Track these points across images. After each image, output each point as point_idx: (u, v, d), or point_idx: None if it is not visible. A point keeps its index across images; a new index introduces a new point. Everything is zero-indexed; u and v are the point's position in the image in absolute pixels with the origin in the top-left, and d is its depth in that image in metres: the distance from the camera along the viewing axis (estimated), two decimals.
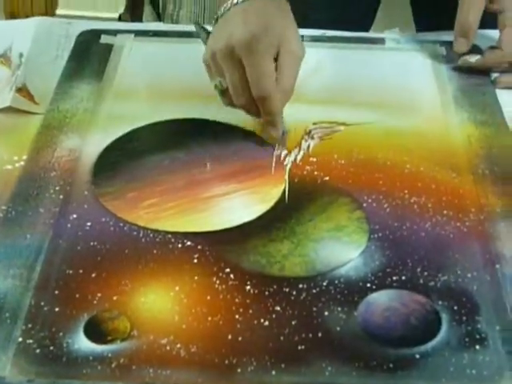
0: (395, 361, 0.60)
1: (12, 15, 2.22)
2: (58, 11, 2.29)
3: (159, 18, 2.38)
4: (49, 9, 2.32)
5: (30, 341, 0.60)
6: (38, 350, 0.60)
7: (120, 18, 2.25)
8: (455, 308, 0.63)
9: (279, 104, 0.76)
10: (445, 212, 0.72)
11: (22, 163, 0.76)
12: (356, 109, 0.84)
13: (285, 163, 0.77)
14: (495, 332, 0.61)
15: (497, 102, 0.86)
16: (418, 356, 0.60)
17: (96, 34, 0.96)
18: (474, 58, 0.89)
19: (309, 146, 0.79)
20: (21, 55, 0.91)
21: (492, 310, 0.63)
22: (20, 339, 0.60)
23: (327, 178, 0.75)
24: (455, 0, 0.90)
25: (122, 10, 2.29)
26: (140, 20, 2.34)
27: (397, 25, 0.99)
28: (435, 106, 0.85)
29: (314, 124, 0.81)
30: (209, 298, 0.64)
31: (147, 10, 2.35)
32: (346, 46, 0.95)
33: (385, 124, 0.82)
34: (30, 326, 0.61)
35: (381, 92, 0.87)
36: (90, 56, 0.92)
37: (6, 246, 0.68)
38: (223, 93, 0.78)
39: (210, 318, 0.62)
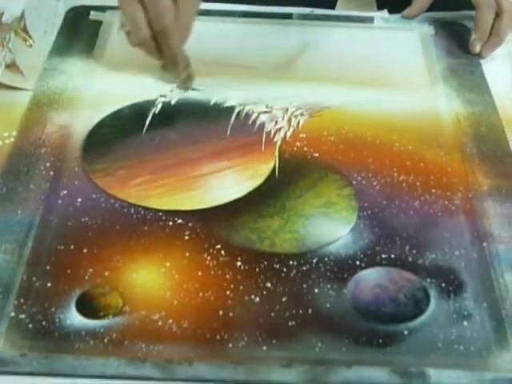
0: (384, 336, 0.60)
1: None
2: None
3: None
4: None
5: (23, 316, 0.61)
6: (30, 325, 0.60)
7: None
8: (443, 285, 0.64)
9: (178, 40, 0.80)
10: (433, 190, 0.72)
11: (12, 139, 0.76)
12: (346, 87, 0.85)
13: (275, 140, 0.77)
14: (482, 309, 0.62)
15: (485, 81, 0.87)
16: (406, 332, 0.61)
17: (85, 10, 0.95)
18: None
19: (298, 123, 0.79)
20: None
21: (479, 286, 0.64)
22: (12, 314, 0.61)
23: (317, 155, 0.76)
24: None
25: None
26: None
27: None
28: (424, 84, 0.86)
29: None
30: (200, 273, 0.64)
31: None
32: (335, 24, 0.95)
33: (374, 102, 0.82)
34: (22, 301, 0.62)
35: (370, 70, 0.87)
36: (79, 32, 0.92)
37: None
38: (128, 34, 0.81)
39: (201, 294, 0.63)
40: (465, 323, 0.61)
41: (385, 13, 0.98)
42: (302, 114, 0.80)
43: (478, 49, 0.89)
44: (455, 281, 0.65)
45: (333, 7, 1.13)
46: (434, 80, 0.86)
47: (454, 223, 0.69)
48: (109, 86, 0.84)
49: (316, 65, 0.88)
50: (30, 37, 0.90)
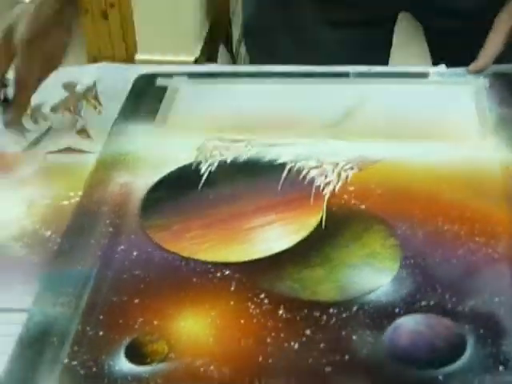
0: (419, 382, 0.61)
1: (94, 59, 2.33)
2: (137, 56, 2.38)
3: (233, 59, 2.44)
4: (129, 53, 2.42)
5: (75, 362, 0.64)
6: (82, 371, 0.64)
7: (196, 62, 2.31)
8: (481, 331, 0.65)
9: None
10: (477, 239, 0.73)
11: (77, 199, 0.82)
12: (397, 141, 0.87)
13: (323, 193, 0.80)
14: None
15: None
16: (441, 377, 0.61)
17: (153, 76, 1.01)
18: None
19: (347, 177, 0.82)
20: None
21: None
22: (66, 360, 0.65)
23: (363, 207, 0.78)
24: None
25: (197, 54, 2.35)
26: (215, 61, 2.40)
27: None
28: (475, 135, 0.87)
29: None
30: (243, 321, 0.67)
31: (221, 49, 2.40)
32: (391, 80, 0.98)
33: (423, 155, 0.84)
34: (75, 348, 0.66)
35: (421, 124, 0.89)
36: (145, 97, 0.98)
37: (58, 276, 0.73)
38: None
39: (242, 341, 0.65)
40: (500, 368, 0.62)
41: (442, 67, 1.00)
42: (351, 168, 0.83)
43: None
44: (493, 327, 0.65)
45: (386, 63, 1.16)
46: (485, 131, 0.88)
47: (495, 270, 0.70)
48: (170, 148, 0.89)
49: (368, 121, 0.91)
50: (100, 104, 0.96)
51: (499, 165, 0.82)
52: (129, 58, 2.37)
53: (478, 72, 0.96)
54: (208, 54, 2.38)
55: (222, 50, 2.42)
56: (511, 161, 0.83)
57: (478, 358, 0.63)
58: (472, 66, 0.96)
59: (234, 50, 2.46)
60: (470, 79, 0.97)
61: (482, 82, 0.96)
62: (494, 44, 0.93)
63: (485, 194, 0.78)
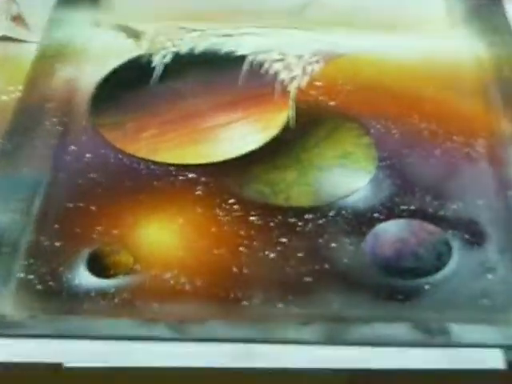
0: (405, 292, 0.58)
1: None
2: None
3: None
4: None
5: (31, 276, 0.59)
6: (39, 286, 0.59)
7: None
8: (466, 236, 0.62)
9: None
10: (455, 138, 0.70)
11: (18, 94, 0.74)
12: (360, 32, 0.81)
13: (289, 89, 0.74)
14: (507, 261, 0.60)
15: (507, 22, 0.83)
16: (427, 287, 0.58)
17: None
18: None
19: (313, 70, 0.76)
20: None
21: (504, 237, 0.62)
22: (21, 274, 0.59)
23: (333, 103, 0.73)
24: None
25: None
26: None
27: None
28: (444, 27, 0.82)
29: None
30: (213, 229, 0.62)
31: None
32: None
33: (390, 47, 0.79)
34: (31, 261, 0.60)
35: (385, 13, 0.83)
36: None
37: (4, 180, 0.66)
38: None
39: (214, 251, 0.61)
40: (489, 276, 0.59)
41: None
42: (317, 62, 0.77)
43: None
44: (478, 232, 0.62)
45: None
46: (454, 22, 0.83)
47: (476, 172, 0.67)
48: (116, 38, 0.81)
49: (329, 10, 0.85)
50: None
51: (471, 59, 0.78)
52: None
53: None
54: None
55: None
56: (484, 55, 0.78)
57: (464, 265, 0.60)
58: None
59: None
60: None
61: None
62: None
63: (459, 90, 0.74)
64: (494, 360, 0.55)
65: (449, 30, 0.82)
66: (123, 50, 0.79)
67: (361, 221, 0.63)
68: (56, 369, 0.55)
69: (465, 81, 0.75)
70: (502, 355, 0.55)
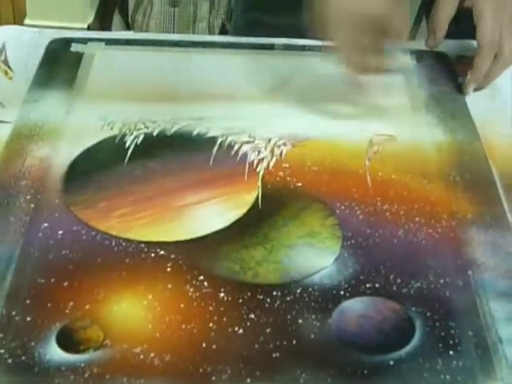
0: (369, 367, 0.60)
1: None
2: (27, 21, 2.27)
3: (128, 28, 2.36)
4: (17, 18, 2.30)
5: (2, 350, 0.59)
6: (9, 360, 0.59)
7: (89, 28, 2.23)
8: (428, 314, 0.63)
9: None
10: (417, 219, 0.72)
11: None
12: (327, 117, 0.84)
13: (257, 170, 0.77)
14: (468, 337, 0.62)
15: (467, 108, 0.86)
16: (392, 362, 0.60)
17: (66, 42, 0.95)
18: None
19: (281, 153, 0.79)
20: None
21: (465, 315, 0.64)
22: None
23: (300, 184, 0.75)
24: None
25: (91, 20, 2.27)
26: (110, 30, 2.32)
27: None
28: (406, 113, 0.86)
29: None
30: (182, 305, 0.63)
31: (116, 20, 2.33)
32: (317, 54, 0.95)
33: (356, 133, 0.82)
34: (1, 335, 0.60)
35: (351, 100, 0.87)
36: (60, 64, 0.91)
37: None
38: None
39: (183, 326, 0.62)
40: (451, 352, 0.61)
41: None
42: (284, 144, 0.80)
43: (471, 90, 0.89)
44: (440, 309, 0.64)
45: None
46: (416, 108, 0.86)
47: (438, 251, 0.69)
48: (89, 118, 0.83)
49: (300, 95, 0.88)
50: (11, 69, 0.89)
51: (432, 143, 0.81)
52: (18, 23, 2.26)
53: (436, 46, 0.94)
54: (101, 21, 2.30)
55: (116, 17, 2.34)
56: (444, 140, 0.82)
57: (427, 342, 0.61)
58: (431, 42, 0.93)
59: (130, 19, 2.38)
60: (396, 55, 0.95)
61: (409, 58, 0.94)
62: (445, 14, 0.90)
63: (421, 174, 0.77)
64: None
65: (411, 116, 0.85)
66: (96, 130, 0.81)
67: (327, 298, 0.64)
68: None
69: (426, 164, 0.78)
70: None
